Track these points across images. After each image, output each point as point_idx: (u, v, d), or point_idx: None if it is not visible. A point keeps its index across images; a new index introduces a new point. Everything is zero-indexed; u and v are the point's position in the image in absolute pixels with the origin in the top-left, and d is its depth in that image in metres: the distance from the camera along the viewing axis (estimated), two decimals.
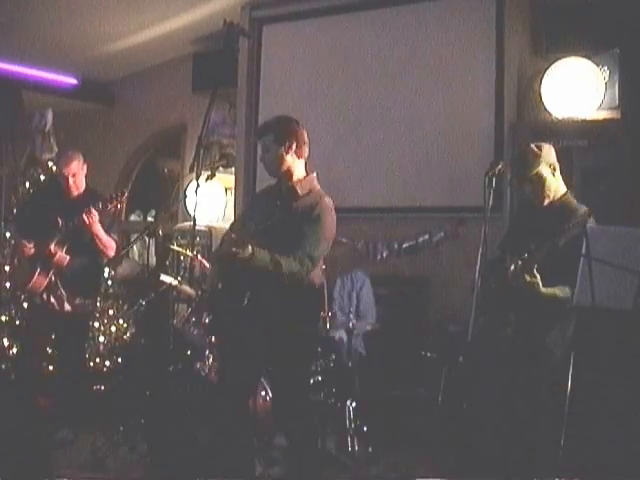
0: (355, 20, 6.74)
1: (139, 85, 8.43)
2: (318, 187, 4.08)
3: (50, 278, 5.26)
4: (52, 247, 5.19)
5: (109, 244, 5.33)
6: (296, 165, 4.03)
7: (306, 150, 4.06)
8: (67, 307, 5.32)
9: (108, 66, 8.09)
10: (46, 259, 5.22)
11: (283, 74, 7.08)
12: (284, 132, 4.01)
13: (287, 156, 4.00)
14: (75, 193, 5.42)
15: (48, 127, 7.05)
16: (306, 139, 4.05)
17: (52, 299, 5.31)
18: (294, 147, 3.99)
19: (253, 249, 3.75)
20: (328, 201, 4.00)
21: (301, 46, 7.00)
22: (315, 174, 4.11)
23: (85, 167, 5.47)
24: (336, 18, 6.83)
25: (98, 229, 5.19)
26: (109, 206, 5.12)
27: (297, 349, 3.95)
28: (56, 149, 6.98)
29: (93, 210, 5.08)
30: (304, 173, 4.07)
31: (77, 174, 5.40)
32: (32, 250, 5.26)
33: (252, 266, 3.79)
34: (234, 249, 3.74)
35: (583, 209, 4.00)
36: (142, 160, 8.71)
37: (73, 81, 8.24)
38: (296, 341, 3.92)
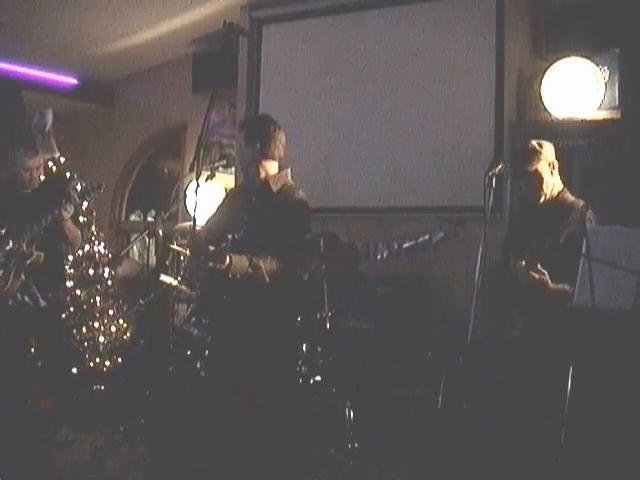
0: (355, 20, 6.74)
1: (139, 85, 8.43)
2: (291, 182, 4.13)
3: (21, 278, 5.18)
4: (24, 247, 5.11)
5: (76, 234, 5.29)
6: (264, 165, 4.07)
7: (279, 151, 4.09)
8: (43, 303, 5.25)
9: (108, 66, 8.09)
10: (19, 260, 5.15)
11: (283, 74, 7.08)
12: (255, 133, 4.06)
13: (255, 156, 4.05)
14: (33, 187, 5.34)
15: (48, 127, 7.04)
16: (280, 140, 4.08)
17: (26, 298, 5.23)
18: (262, 148, 4.03)
19: (231, 259, 3.80)
20: (302, 194, 4.07)
21: (301, 46, 7.00)
22: (289, 170, 4.16)
23: (54, 165, 5.39)
24: (336, 18, 6.83)
25: (70, 224, 5.15)
26: (90, 197, 5.07)
27: (281, 347, 3.98)
28: (56, 149, 6.98)
29: (68, 208, 5.02)
30: (275, 170, 4.10)
31: (40, 167, 5.33)
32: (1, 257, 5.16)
33: (232, 274, 3.82)
34: (211, 264, 3.78)
35: (580, 203, 4.02)
36: (142, 160, 8.71)
37: (73, 81, 8.25)
38: (282, 339, 3.95)
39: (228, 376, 4.07)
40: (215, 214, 4.36)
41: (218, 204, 4.40)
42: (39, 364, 5.92)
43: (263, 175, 4.07)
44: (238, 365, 4.06)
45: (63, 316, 6.22)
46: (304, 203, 4.07)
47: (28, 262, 5.11)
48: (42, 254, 5.14)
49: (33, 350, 5.76)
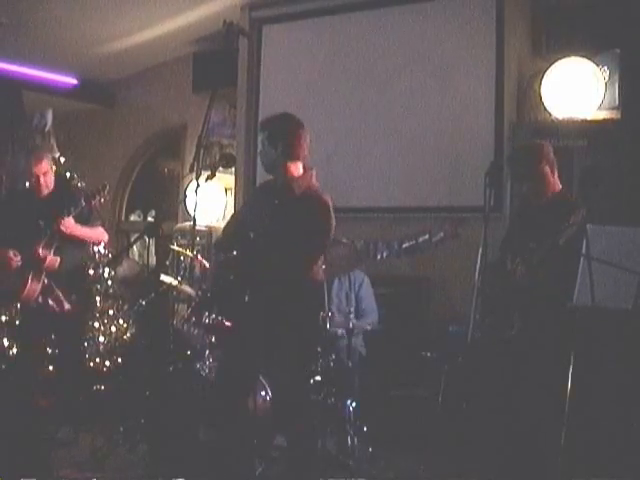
0: (355, 20, 6.74)
1: (139, 85, 8.43)
2: (316, 185, 4.06)
3: (43, 281, 5.22)
4: (40, 251, 5.15)
5: (96, 235, 5.35)
6: (288, 165, 3.99)
7: (303, 151, 4.01)
8: (67, 306, 5.30)
9: (108, 66, 8.08)
10: (36, 264, 5.18)
11: (283, 74, 7.08)
12: (277, 132, 3.99)
13: (278, 156, 3.98)
14: (45, 192, 5.39)
15: (48, 127, 7.05)
16: (304, 140, 4.01)
17: (50, 301, 5.27)
18: (285, 148, 3.95)
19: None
20: (326, 199, 3.98)
21: (301, 46, 7.00)
22: (314, 172, 4.08)
23: (54, 165, 5.46)
24: (336, 18, 6.83)
25: (78, 231, 5.19)
26: (92, 202, 5.12)
27: (297, 347, 3.95)
28: (56, 149, 6.98)
29: (65, 219, 5.06)
30: (300, 172, 4.04)
31: (48, 172, 5.38)
32: (19, 261, 5.21)
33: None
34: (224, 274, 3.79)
35: (580, 207, 4.02)
36: (142, 160, 8.71)
37: (73, 81, 8.24)
38: (296, 339, 3.92)
39: (242, 376, 4.06)
40: (238, 213, 4.33)
41: (243, 202, 4.38)
42: (50, 367, 5.97)
43: (287, 176, 3.99)
44: (253, 366, 4.07)
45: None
46: (328, 209, 3.96)
47: (44, 266, 5.15)
48: (57, 258, 5.18)
49: (49, 351, 5.81)
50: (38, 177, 5.35)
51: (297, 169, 4.02)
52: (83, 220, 5.26)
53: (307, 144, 4.03)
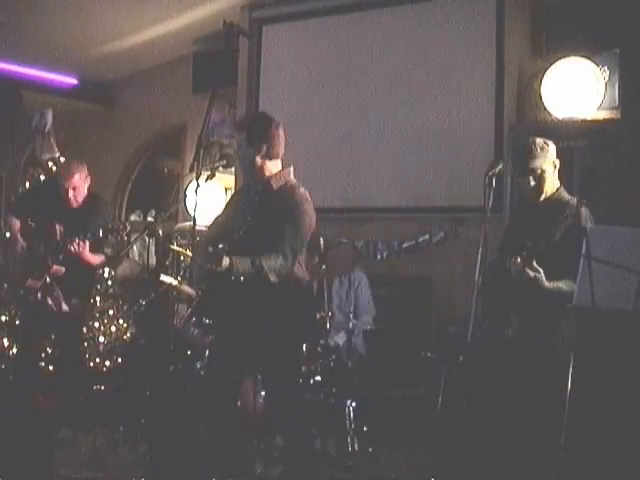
0: (355, 20, 6.74)
1: (139, 85, 8.43)
2: (293, 180, 4.10)
3: (45, 280, 5.24)
4: (49, 259, 5.18)
5: (94, 261, 5.36)
6: (267, 165, 4.04)
7: (280, 150, 4.06)
8: (65, 307, 5.30)
9: (108, 66, 8.09)
10: (41, 267, 5.21)
11: (283, 74, 7.08)
12: (256, 133, 4.02)
13: (257, 157, 4.01)
14: (75, 205, 5.40)
15: (48, 127, 7.04)
16: (281, 140, 4.06)
17: (49, 301, 5.28)
18: (264, 148, 4.00)
19: (231, 260, 3.77)
20: (303, 191, 4.03)
21: (301, 46, 7.01)
22: (291, 168, 4.12)
23: (88, 179, 5.45)
24: (336, 18, 6.83)
25: (85, 255, 5.20)
26: (109, 237, 5.12)
27: (286, 347, 3.97)
28: (56, 149, 6.98)
29: (81, 243, 5.08)
30: (278, 169, 4.08)
31: (78, 187, 5.37)
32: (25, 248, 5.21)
33: (234, 275, 3.81)
34: (209, 265, 3.76)
35: (574, 201, 4.03)
36: (142, 160, 8.71)
37: (73, 81, 8.25)
38: (285, 339, 3.94)
39: (229, 375, 4.06)
40: (220, 215, 4.35)
41: (224, 205, 4.39)
42: (50, 367, 5.98)
43: (265, 175, 4.04)
44: (240, 365, 4.07)
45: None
46: (306, 200, 4.02)
47: (49, 272, 5.18)
48: (62, 268, 5.20)
49: (49, 350, 5.82)
50: (67, 191, 5.34)
51: (275, 166, 4.07)
52: (94, 248, 5.27)
53: (284, 141, 4.08)
